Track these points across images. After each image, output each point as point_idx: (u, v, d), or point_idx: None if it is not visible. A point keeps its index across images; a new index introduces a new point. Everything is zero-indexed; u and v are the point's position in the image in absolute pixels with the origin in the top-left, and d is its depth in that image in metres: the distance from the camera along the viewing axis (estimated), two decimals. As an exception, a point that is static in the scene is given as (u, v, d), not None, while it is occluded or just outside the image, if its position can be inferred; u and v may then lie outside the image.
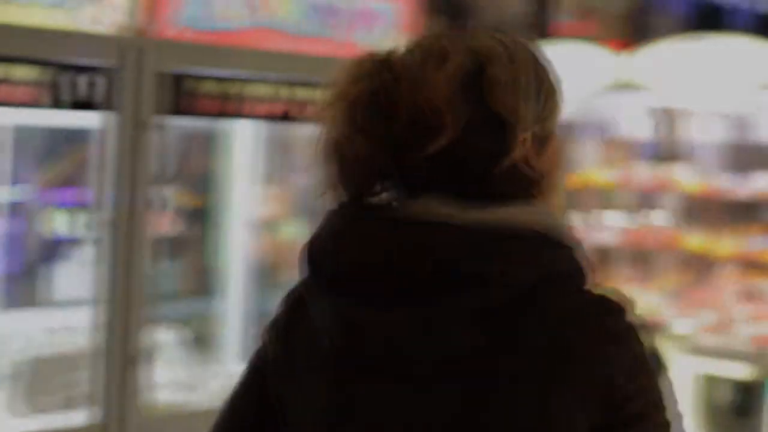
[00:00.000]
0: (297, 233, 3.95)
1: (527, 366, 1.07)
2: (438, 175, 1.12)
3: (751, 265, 5.05)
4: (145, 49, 2.78)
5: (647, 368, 1.11)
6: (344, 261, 1.12)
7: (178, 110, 2.88)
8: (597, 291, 1.12)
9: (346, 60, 1.16)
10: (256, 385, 1.25)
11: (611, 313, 1.11)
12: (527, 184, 1.14)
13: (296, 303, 1.21)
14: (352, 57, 1.16)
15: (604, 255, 5.31)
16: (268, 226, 3.88)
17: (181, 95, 2.86)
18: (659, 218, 5.47)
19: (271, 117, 3.11)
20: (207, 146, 3.78)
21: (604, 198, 5.45)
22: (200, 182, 3.80)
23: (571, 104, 1.25)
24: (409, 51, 1.16)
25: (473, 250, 1.08)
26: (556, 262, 1.10)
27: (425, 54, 1.14)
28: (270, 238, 3.91)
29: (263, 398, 1.23)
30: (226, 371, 3.46)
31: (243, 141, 3.68)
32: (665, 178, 5.35)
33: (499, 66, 1.13)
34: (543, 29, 7.84)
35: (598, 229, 5.43)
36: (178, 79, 2.85)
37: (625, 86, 5.24)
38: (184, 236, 3.68)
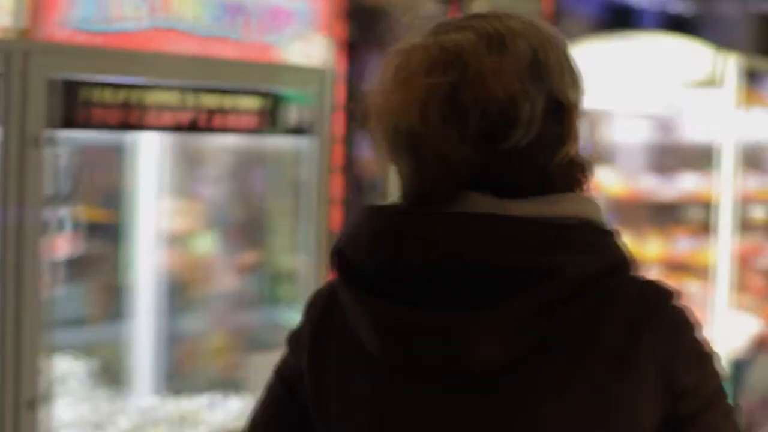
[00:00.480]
0: (209, 247, 3.79)
1: (594, 361, 1.03)
2: (506, 168, 1.06)
3: (677, 267, 5.04)
4: (31, 53, 2.49)
5: (710, 352, 1.09)
6: (382, 261, 1.05)
7: (72, 122, 2.59)
8: (645, 277, 1.09)
9: (404, 47, 1.08)
10: (285, 398, 1.20)
11: (672, 298, 1.09)
12: (574, 174, 1.12)
13: (325, 308, 1.16)
14: (411, 44, 1.07)
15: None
16: (178, 241, 3.70)
17: (74, 105, 2.57)
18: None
19: (176, 127, 2.87)
20: (111, 159, 3.58)
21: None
22: (105, 198, 3.60)
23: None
24: (462, 33, 1.05)
25: (533, 243, 1.03)
26: (611, 249, 1.07)
27: (484, 39, 1.06)
28: (181, 253, 3.74)
29: (292, 411, 1.19)
30: (137, 406, 3.21)
31: (148, 152, 3.46)
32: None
33: (548, 50, 1.09)
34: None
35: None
36: (70, 87, 2.57)
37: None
38: (89, 256, 3.46)
